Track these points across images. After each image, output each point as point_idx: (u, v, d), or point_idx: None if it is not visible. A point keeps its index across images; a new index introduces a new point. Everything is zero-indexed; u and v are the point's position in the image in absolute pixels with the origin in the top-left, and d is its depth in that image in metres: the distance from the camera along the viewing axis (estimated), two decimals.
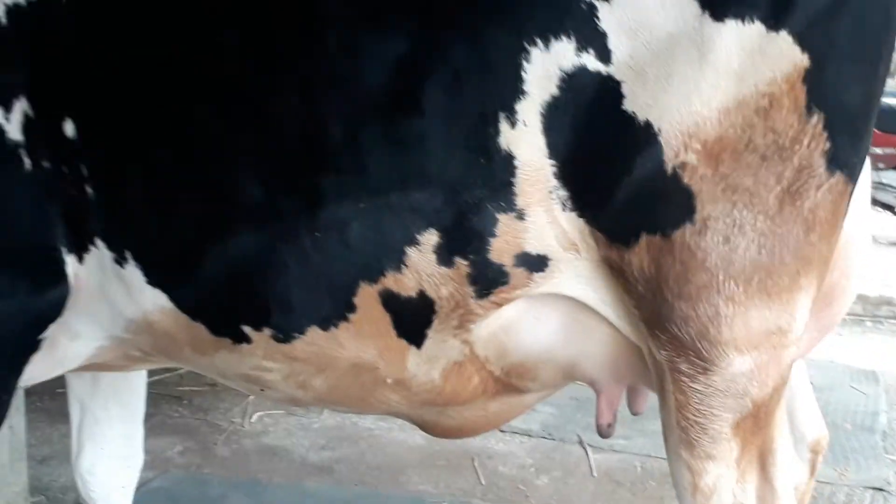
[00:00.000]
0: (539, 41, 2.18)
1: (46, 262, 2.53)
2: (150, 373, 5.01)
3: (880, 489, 4.54)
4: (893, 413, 5.43)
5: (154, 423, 4.84)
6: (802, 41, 2.10)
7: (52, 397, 3.09)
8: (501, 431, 4.98)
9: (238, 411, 5.14)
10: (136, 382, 3.25)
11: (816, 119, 2.12)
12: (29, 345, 2.62)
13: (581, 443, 4.91)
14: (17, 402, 3.98)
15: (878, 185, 8.88)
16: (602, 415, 2.62)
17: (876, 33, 2.20)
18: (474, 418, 2.68)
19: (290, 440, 4.87)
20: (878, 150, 8.86)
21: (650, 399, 4.27)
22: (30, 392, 4.05)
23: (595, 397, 2.65)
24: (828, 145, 2.14)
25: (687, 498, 2.34)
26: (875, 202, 8.97)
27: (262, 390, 2.72)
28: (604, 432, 2.66)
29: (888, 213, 8.93)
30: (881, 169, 8.86)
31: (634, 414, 2.74)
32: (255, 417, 5.09)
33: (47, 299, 2.56)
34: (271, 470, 4.58)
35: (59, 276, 2.53)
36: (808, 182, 2.15)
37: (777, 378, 2.26)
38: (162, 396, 5.17)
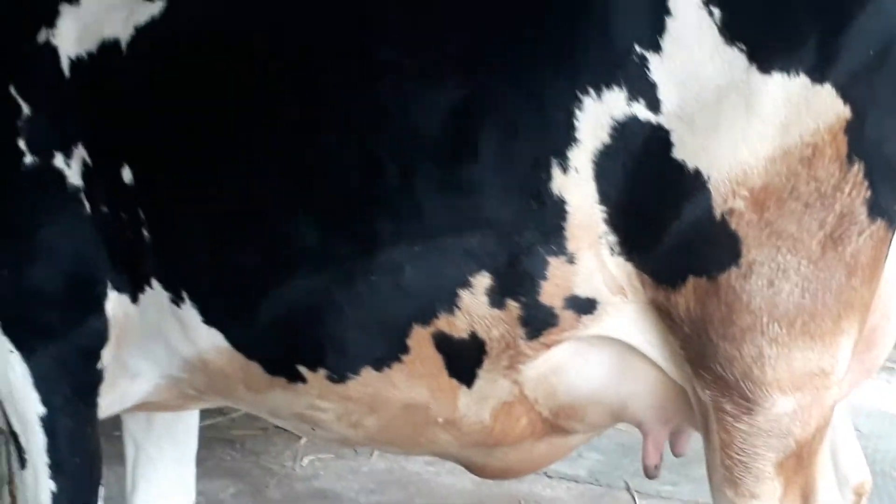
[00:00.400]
0: (592, 90, 2.28)
1: (93, 297, 2.68)
2: (203, 416, 5.10)
3: None
4: None
5: (207, 466, 4.95)
6: (845, 93, 2.20)
7: (109, 441, 3.22)
8: (548, 477, 5.02)
9: (289, 455, 5.22)
10: (189, 423, 3.36)
11: (857, 168, 2.21)
12: (94, 377, 2.76)
13: (628, 489, 4.93)
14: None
15: None
16: (649, 456, 2.68)
17: None
18: (521, 459, 2.76)
19: (341, 484, 4.95)
20: None
21: (697, 445, 4.31)
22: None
23: (641, 442, 2.73)
24: (868, 193, 2.22)
25: None
26: None
27: (313, 429, 2.84)
28: (651, 473, 2.73)
29: None
30: None
31: (676, 456, 2.80)
32: (305, 461, 5.16)
33: (90, 331, 2.70)
34: None
35: (100, 309, 2.68)
36: (849, 228, 2.23)
37: (820, 419, 2.34)
38: (215, 440, 5.26)
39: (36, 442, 2.80)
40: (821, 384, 2.32)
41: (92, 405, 2.84)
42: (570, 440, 2.76)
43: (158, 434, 3.31)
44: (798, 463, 2.38)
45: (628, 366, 2.51)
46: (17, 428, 2.83)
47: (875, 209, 2.25)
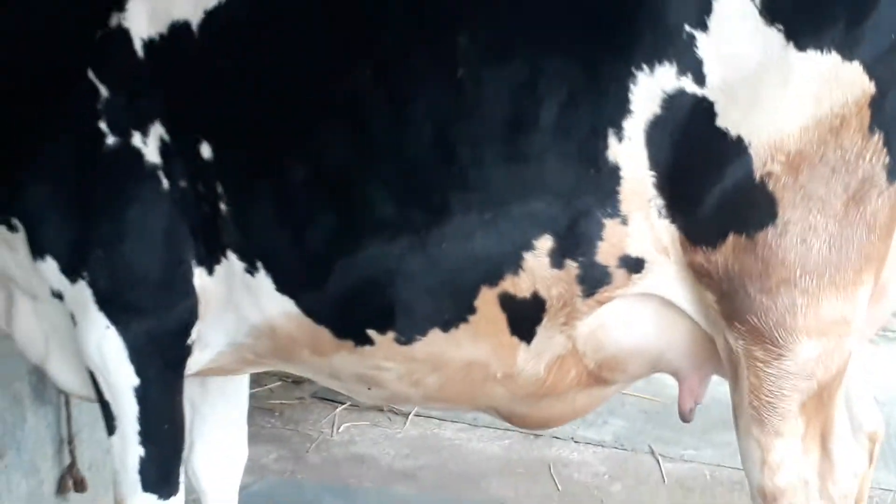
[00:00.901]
0: (645, 66, 2.42)
1: (182, 276, 2.74)
2: None
3: None
4: None
5: (250, 432, 4.96)
6: (871, 71, 2.36)
7: None
8: (575, 442, 5.14)
9: (327, 423, 5.33)
10: (240, 384, 3.45)
11: (878, 137, 2.38)
12: (183, 353, 2.85)
13: (652, 453, 5.03)
14: None
15: None
16: (685, 400, 2.83)
17: None
18: (563, 409, 2.90)
19: (376, 448, 5.07)
20: None
21: (717, 412, 4.46)
22: None
23: (663, 408, 2.87)
24: (887, 159, 2.39)
25: (756, 472, 2.57)
26: None
27: (368, 388, 2.93)
28: (686, 417, 2.87)
29: None
30: None
31: (696, 404, 2.91)
32: (342, 428, 5.28)
33: (183, 309, 2.77)
34: (359, 476, 4.80)
35: (190, 287, 2.75)
36: (870, 191, 2.40)
37: (840, 362, 2.52)
38: (255, 409, 5.31)
39: (127, 411, 2.86)
40: (842, 330, 2.48)
41: (180, 376, 2.92)
42: (607, 391, 2.90)
43: (213, 396, 3.39)
44: (819, 403, 2.54)
45: (667, 320, 2.66)
46: (107, 397, 2.87)
47: (893, 173, 2.41)
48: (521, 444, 5.14)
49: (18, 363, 3.57)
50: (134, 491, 2.92)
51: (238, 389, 3.45)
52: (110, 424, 2.90)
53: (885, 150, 2.40)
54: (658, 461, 4.96)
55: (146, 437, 2.87)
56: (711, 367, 2.75)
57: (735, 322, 2.50)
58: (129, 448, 2.88)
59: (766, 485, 2.57)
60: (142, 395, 2.83)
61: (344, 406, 5.50)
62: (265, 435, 5.11)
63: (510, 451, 5.06)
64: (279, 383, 5.71)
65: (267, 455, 4.91)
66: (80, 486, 3.78)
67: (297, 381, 5.72)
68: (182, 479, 3.02)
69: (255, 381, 5.62)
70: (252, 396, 5.46)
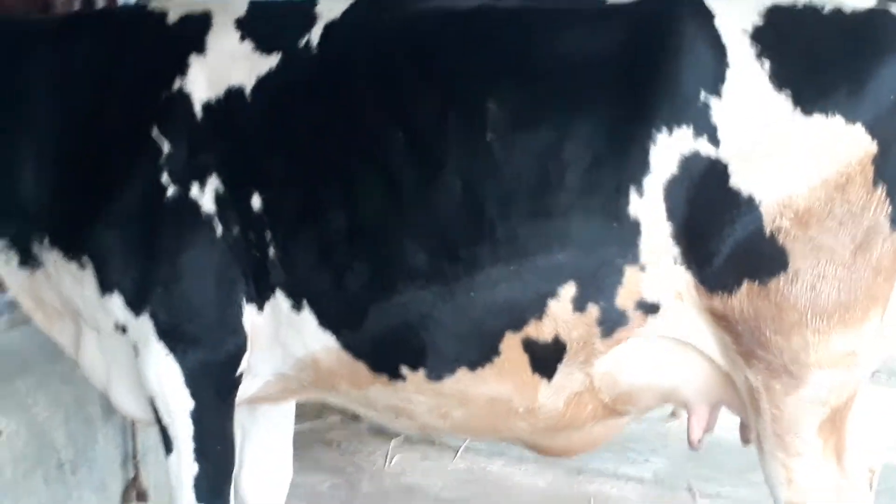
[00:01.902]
0: (664, 129, 2.58)
1: (233, 313, 2.90)
2: (303, 419, 5.41)
3: None
4: None
5: (308, 462, 5.17)
6: (872, 131, 2.52)
7: None
8: (616, 478, 5.22)
9: (380, 454, 5.47)
10: (286, 410, 3.58)
11: (881, 190, 2.53)
12: (234, 382, 3.01)
13: (689, 489, 5.09)
14: None
15: None
16: (693, 431, 2.96)
17: None
18: (580, 439, 3.02)
19: (426, 480, 5.18)
20: None
21: (753, 453, 4.58)
22: None
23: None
24: (890, 209, 2.54)
25: (783, 490, 2.73)
26: None
27: (396, 418, 3.06)
28: (694, 446, 2.99)
29: None
30: None
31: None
32: (395, 460, 5.41)
33: (234, 343, 2.93)
34: None
35: (240, 323, 2.91)
36: (875, 238, 2.55)
37: (850, 389, 2.67)
38: (315, 441, 5.55)
39: (183, 432, 3.00)
40: (852, 362, 2.63)
41: (232, 402, 3.07)
42: (621, 421, 3.02)
43: (261, 422, 3.53)
44: (833, 425, 2.69)
45: (680, 358, 2.79)
46: (166, 420, 3.02)
47: (895, 222, 2.57)
48: (564, 479, 5.22)
49: (90, 388, 3.67)
50: None
51: (285, 416, 3.59)
52: (168, 445, 3.06)
53: (887, 200, 2.54)
54: (695, 497, 5.03)
55: (200, 455, 3.02)
56: (720, 399, 2.88)
57: (753, 360, 2.64)
58: (185, 466, 3.03)
59: (792, 499, 2.73)
60: (196, 417, 2.99)
61: (397, 439, 5.62)
62: (322, 465, 5.24)
63: (553, 486, 5.15)
64: (338, 417, 5.86)
65: (322, 483, 5.04)
66: (142, 497, 3.93)
67: (356, 417, 5.84)
68: (231, 495, 3.15)
69: (316, 415, 5.81)
70: (312, 430, 5.73)
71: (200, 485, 3.06)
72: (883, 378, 6.42)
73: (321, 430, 5.70)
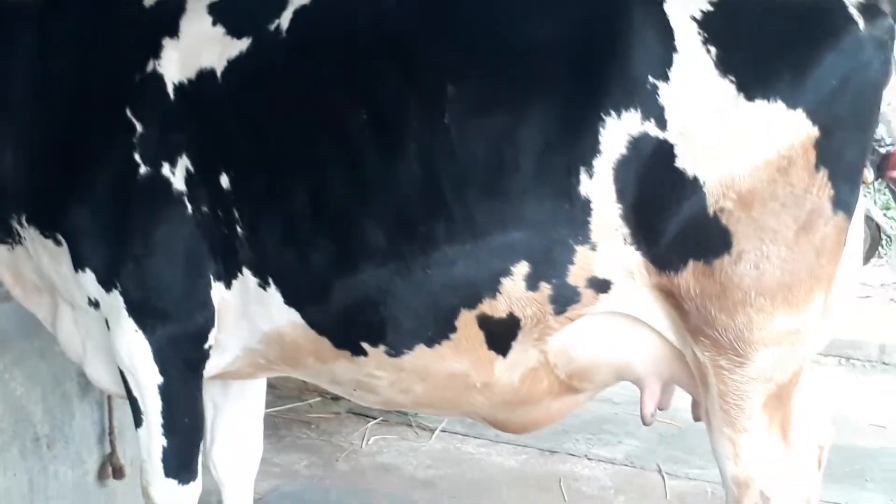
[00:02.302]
0: (613, 112, 2.60)
1: (201, 288, 2.94)
2: (284, 401, 5.51)
3: None
4: None
5: (286, 442, 5.31)
6: (813, 116, 2.56)
7: None
8: (588, 459, 5.30)
9: (357, 435, 5.54)
10: (258, 389, 3.62)
11: (822, 174, 2.56)
12: (202, 355, 3.04)
13: (659, 471, 5.17)
14: None
15: None
16: (646, 406, 2.98)
17: (866, 109, 2.65)
18: (538, 415, 3.05)
19: (401, 459, 5.25)
20: None
21: None
22: None
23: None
24: (832, 192, 2.58)
25: (729, 464, 2.76)
26: None
27: (354, 391, 3.11)
28: (647, 420, 3.02)
29: None
30: None
31: (661, 409, 3.07)
32: (371, 440, 5.48)
33: (203, 317, 2.97)
34: (382, 483, 4.97)
35: (208, 298, 2.95)
36: (818, 220, 2.59)
37: (795, 366, 2.71)
38: (294, 421, 5.62)
39: (153, 405, 3.03)
40: (796, 340, 2.67)
41: (200, 376, 3.09)
42: (578, 398, 3.05)
43: (233, 398, 3.56)
44: (779, 401, 2.72)
45: (633, 334, 2.82)
46: (135, 393, 3.05)
47: (837, 204, 2.60)
48: (537, 459, 5.31)
49: (68, 364, 3.78)
50: (157, 476, 3.11)
51: (256, 393, 3.62)
52: (138, 418, 3.09)
53: (829, 184, 2.58)
54: (664, 478, 5.09)
55: (168, 429, 3.05)
56: (672, 376, 2.91)
57: (700, 337, 2.68)
58: (154, 439, 3.07)
59: (738, 474, 2.75)
60: (164, 391, 3.02)
61: (375, 421, 5.72)
62: (300, 444, 5.31)
63: (525, 465, 5.23)
64: (318, 399, 5.96)
65: (299, 462, 5.10)
66: (118, 473, 3.96)
67: (335, 398, 5.96)
68: (200, 468, 3.20)
69: (296, 396, 5.91)
70: (291, 410, 5.81)
71: (169, 458, 3.10)
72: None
73: (301, 410, 5.78)
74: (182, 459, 3.13)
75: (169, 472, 3.12)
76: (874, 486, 5.11)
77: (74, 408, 3.91)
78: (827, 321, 2.86)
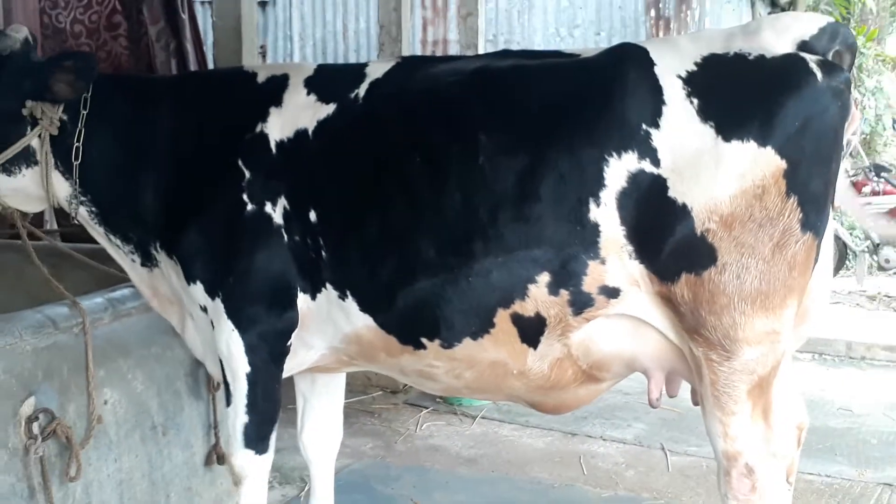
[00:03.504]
0: (615, 154, 2.69)
1: (287, 298, 3.06)
2: (353, 394, 5.55)
3: (889, 485, 4.72)
4: None
5: (354, 428, 5.34)
6: (781, 152, 2.62)
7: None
8: (603, 440, 5.33)
9: (412, 422, 5.61)
10: (340, 382, 3.70)
11: (793, 200, 2.62)
12: (284, 351, 3.14)
13: (662, 449, 5.20)
14: None
15: None
16: (652, 392, 3.02)
17: (828, 144, 2.68)
18: (567, 399, 3.09)
19: (449, 441, 5.31)
20: None
21: None
22: None
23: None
24: (801, 215, 2.63)
25: (720, 441, 2.80)
26: None
27: (424, 380, 3.18)
28: (654, 404, 3.06)
29: None
30: None
31: (671, 396, 3.12)
32: (424, 426, 5.54)
33: (287, 320, 3.08)
34: (433, 460, 5.02)
35: (293, 306, 3.06)
36: (789, 239, 2.64)
37: (773, 361, 2.74)
38: (360, 411, 5.69)
39: (241, 389, 3.13)
40: (774, 339, 2.71)
41: (281, 369, 3.18)
42: (601, 386, 3.08)
43: (319, 390, 3.64)
44: (760, 390, 2.75)
45: (639, 333, 2.87)
46: (228, 378, 3.16)
47: (806, 226, 2.65)
48: (561, 440, 5.33)
49: (178, 367, 3.88)
50: (238, 447, 3.20)
51: (337, 388, 3.70)
52: (228, 399, 3.19)
53: (798, 208, 2.63)
54: (666, 455, 5.11)
55: (251, 409, 3.15)
56: (673, 367, 2.95)
57: (694, 335, 2.73)
58: (239, 416, 3.16)
59: (727, 449, 2.79)
60: (251, 379, 3.12)
61: (427, 410, 5.78)
62: (365, 430, 5.38)
63: (551, 445, 5.26)
64: (380, 392, 6.03)
65: (365, 444, 5.17)
66: (221, 459, 3.99)
67: (394, 392, 6.06)
68: (273, 445, 3.26)
69: (362, 390, 5.96)
70: (359, 402, 5.86)
71: (249, 432, 3.18)
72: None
73: (366, 402, 5.84)
74: (259, 434, 3.20)
75: (248, 444, 3.20)
76: (842, 460, 5.11)
77: (184, 402, 3.95)
78: (806, 324, 2.91)
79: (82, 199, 3.27)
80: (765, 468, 2.79)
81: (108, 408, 3.55)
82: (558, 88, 2.84)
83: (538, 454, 5.14)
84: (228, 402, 3.20)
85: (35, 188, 3.28)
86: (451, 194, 2.84)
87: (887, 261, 8.99)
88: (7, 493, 3.13)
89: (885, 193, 9.02)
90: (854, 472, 4.88)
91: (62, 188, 3.26)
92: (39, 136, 3.18)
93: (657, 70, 2.72)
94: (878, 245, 9.10)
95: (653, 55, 2.76)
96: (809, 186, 2.66)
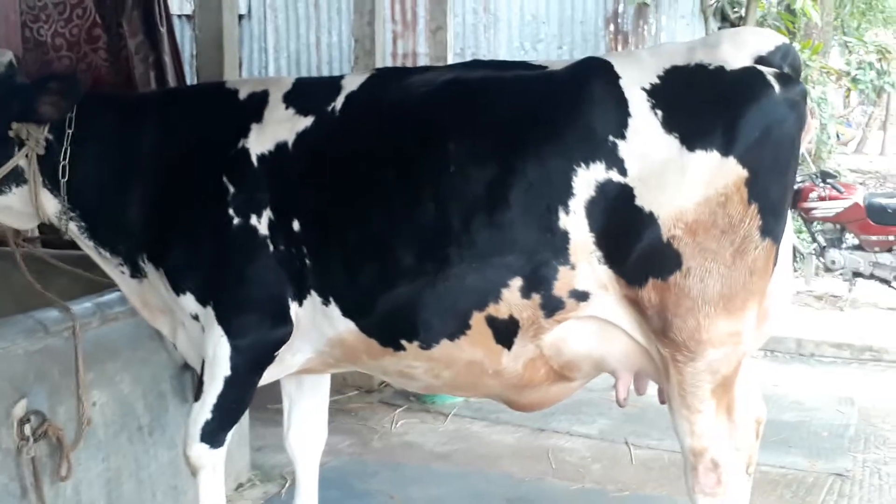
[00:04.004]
0: (583, 164, 2.70)
1: (281, 309, 3.02)
2: (330, 394, 5.53)
3: (840, 475, 4.81)
4: (861, 426, 5.63)
5: (331, 427, 5.02)
6: (743, 161, 2.64)
7: (265, 411, 3.47)
8: (570, 435, 5.34)
9: (387, 420, 5.59)
10: (325, 384, 3.70)
11: (753, 207, 2.63)
12: (268, 360, 3.12)
13: (626, 443, 5.23)
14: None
15: (875, 264, 9.10)
16: (619, 392, 3.04)
17: (786, 153, 2.72)
18: (540, 397, 3.10)
19: (423, 438, 5.31)
20: (874, 237, 9.05)
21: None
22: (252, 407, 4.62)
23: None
24: (761, 222, 2.65)
25: (686, 437, 2.82)
26: (873, 276, 9.15)
27: (404, 380, 3.17)
28: (622, 404, 3.08)
29: (885, 286, 9.11)
30: (877, 251, 9.05)
31: (639, 394, 3.15)
32: (399, 424, 5.53)
33: (281, 331, 3.05)
34: (409, 457, 5.02)
35: (287, 317, 3.03)
36: (749, 244, 2.66)
37: (736, 361, 2.76)
38: (338, 410, 5.57)
39: (214, 390, 3.10)
40: (736, 340, 2.73)
41: (259, 378, 3.15)
42: (571, 385, 3.08)
43: (305, 393, 3.63)
44: (724, 388, 2.78)
45: (608, 335, 2.87)
46: (206, 378, 3.12)
47: (765, 232, 2.67)
48: (530, 436, 5.35)
49: (164, 370, 3.88)
50: (195, 440, 3.17)
51: (322, 390, 3.69)
52: (198, 394, 3.16)
53: (759, 215, 2.65)
54: (629, 448, 5.14)
55: (217, 408, 3.12)
56: (641, 368, 2.96)
57: (662, 337, 2.74)
58: (203, 412, 3.13)
59: (694, 445, 2.81)
60: (228, 383, 3.08)
61: (402, 408, 5.76)
62: (342, 428, 5.34)
63: (521, 441, 5.28)
64: (355, 392, 6.01)
65: (342, 442, 5.15)
66: None
67: (369, 391, 6.04)
68: (227, 441, 3.23)
69: (338, 390, 5.87)
70: (335, 401, 5.73)
71: (207, 428, 3.15)
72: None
73: (342, 402, 5.80)
74: (217, 432, 3.19)
75: (204, 439, 3.17)
76: (796, 451, 5.17)
77: (168, 403, 3.95)
78: (767, 323, 2.92)
79: (71, 214, 3.23)
80: (729, 462, 2.81)
81: (97, 409, 3.53)
82: (528, 100, 2.84)
83: (508, 449, 5.15)
84: (197, 398, 3.18)
85: (24, 206, 3.24)
86: (425, 202, 2.83)
87: (833, 262, 9.12)
88: (0, 493, 3.10)
89: (830, 199, 9.14)
90: (807, 462, 4.95)
91: (51, 205, 3.22)
92: (27, 156, 3.15)
93: (622, 83, 2.74)
94: (824, 248, 9.23)
95: (617, 69, 2.78)
96: (769, 194, 2.68)
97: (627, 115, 2.70)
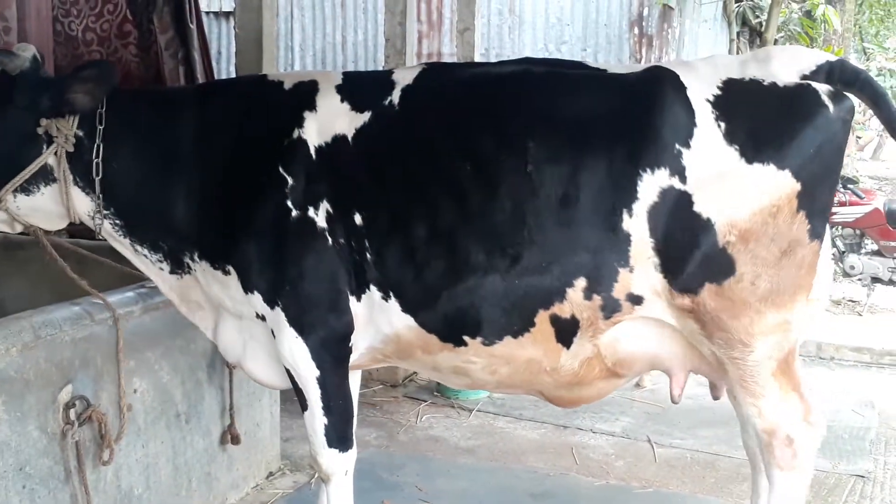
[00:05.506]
0: (648, 169, 2.78)
1: (343, 301, 3.01)
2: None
3: (861, 476, 4.84)
4: (881, 429, 5.63)
5: (358, 419, 5.12)
6: (797, 175, 2.75)
7: (294, 402, 3.45)
8: (593, 432, 5.37)
9: (413, 414, 5.63)
10: (357, 377, 3.61)
11: (802, 215, 2.75)
12: (346, 351, 3.10)
13: (649, 441, 5.25)
14: (276, 398, 4.54)
15: (894, 270, 9.10)
16: (674, 389, 3.11)
17: (833, 166, 2.83)
18: (588, 393, 3.15)
19: (448, 432, 5.35)
20: (893, 243, 9.06)
21: (698, 415, 4.68)
22: (282, 398, 4.58)
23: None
24: (808, 227, 2.77)
25: (756, 420, 2.94)
26: (892, 282, 9.15)
27: (456, 376, 3.15)
28: (675, 400, 3.15)
29: None
30: (895, 257, 9.07)
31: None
32: (424, 418, 5.58)
33: (345, 322, 3.03)
34: (434, 450, 5.06)
35: (348, 308, 3.02)
36: (797, 247, 2.77)
37: (788, 346, 2.88)
38: (363, 404, 5.56)
39: (314, 393, 3.07)
40: (787, 328, 2.86)
41: (346, 368, 3.11)
42: (619, 381, 3.14)
43: None
44: (782, 370, 2.90)
45: (661, 334, 2.96)
46: (300, 385, 3.09)
47: (812, 235, 2.80)
48: (553, 432, 5.38)
49: (201, 358, 3.95)
50: (322, 448, 3.15)
51: (356, 382, 3.59)
52: (303, 403, 3.13)
53: (806, 221, 2.77)
54: (652, 447, 5.17)
55: (327, 410, 3.10)
56: (692, 366, 3.06)
57: (715, 338, 2.86)
58: (317, 419, 3.11)
59: (765, 426, 2.93)
60: (322, 382, 3.06)
61: (426, 403, 5.81)
62: (369, 421, 5.40)
63: (545, 437, 5.31)
64: (380, 386, 6.06)
65: (369, 435, 5.19)
66: (235, 440, 4.06)
67: (394, 385, 6.10)
68: (354, 440, 3.23)
69: (363, 384, 5.90)
70: (361, 395, 5.78)
71: (329, 433, 3.13)
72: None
73: (368, 395, 5.85)
74: (339, 433, 3.18)
75: (331, 444, 3.16)
76: (818, 453, 4.83)
77: (204, 391, 4.01)
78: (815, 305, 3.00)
79: (106, 213, 3.15)
80: (804, 437, 2.93)
81: (137, 396, 3.61)
82: (600, 101, 2.89)
83: (533, 445, 5.19)
84: (304, 408, 3.15)
85: (55, 205, 3.15)
86: (498, 198, 2.86)
87: (852, 267, 9.12)
88: (45, 476, 3.17)
89: (850, 204, 9.14)
90: (829, 464, 4.96)
91: (82, 204, 3.14)
92: (55, 153, 3.05)
93: (689, 93, 2.81)
94: (843, 253, 9.23)
95: (683, 79, 2.85)
96: (817, 202, 2.81)
97: (694, 125, 2.78)
